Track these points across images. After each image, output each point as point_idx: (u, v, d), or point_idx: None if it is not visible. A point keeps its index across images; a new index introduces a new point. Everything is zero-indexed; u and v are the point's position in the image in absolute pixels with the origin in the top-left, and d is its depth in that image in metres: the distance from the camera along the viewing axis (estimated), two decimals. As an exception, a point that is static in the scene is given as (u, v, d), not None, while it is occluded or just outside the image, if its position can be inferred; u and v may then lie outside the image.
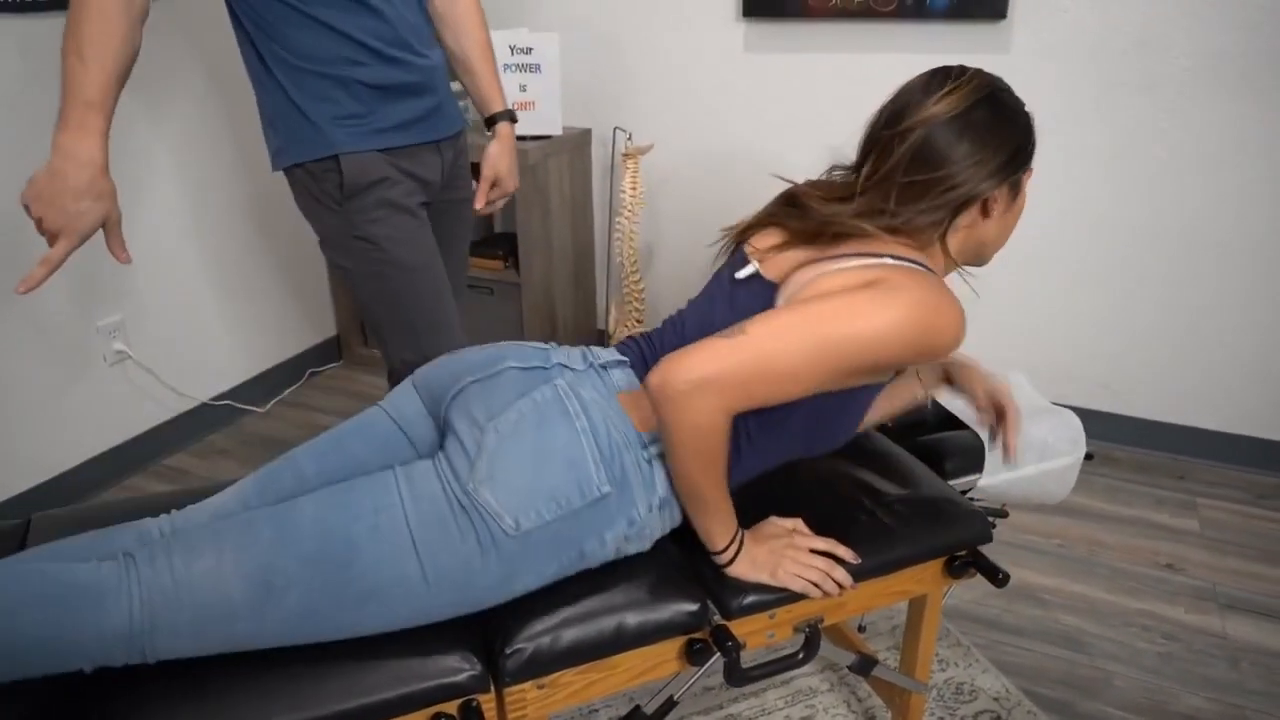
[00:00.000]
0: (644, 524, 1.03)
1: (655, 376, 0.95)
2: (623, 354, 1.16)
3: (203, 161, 2.35)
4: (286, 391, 2.71)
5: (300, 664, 0.96)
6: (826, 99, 2.33)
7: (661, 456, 1.04)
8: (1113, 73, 2.06)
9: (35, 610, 0.91)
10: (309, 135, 1.35)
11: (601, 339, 2.82)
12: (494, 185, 1.60)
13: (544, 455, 1.00)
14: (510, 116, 1.62)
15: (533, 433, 1.01)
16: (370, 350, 2.86)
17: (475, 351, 1.16)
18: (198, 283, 2.40)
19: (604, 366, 1.12)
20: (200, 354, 2.44)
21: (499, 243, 2.65)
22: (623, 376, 1.11)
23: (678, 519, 1.08)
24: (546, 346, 1.15)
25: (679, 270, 2.65)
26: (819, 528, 1.12)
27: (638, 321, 2.54)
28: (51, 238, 1.15)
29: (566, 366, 1.10)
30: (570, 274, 2.65)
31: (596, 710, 1.54)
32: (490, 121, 1.62)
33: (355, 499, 1.01)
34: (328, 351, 2.86)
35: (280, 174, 1.44)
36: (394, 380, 1.54)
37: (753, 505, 1.13)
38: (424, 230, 1.47)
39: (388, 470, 1.04)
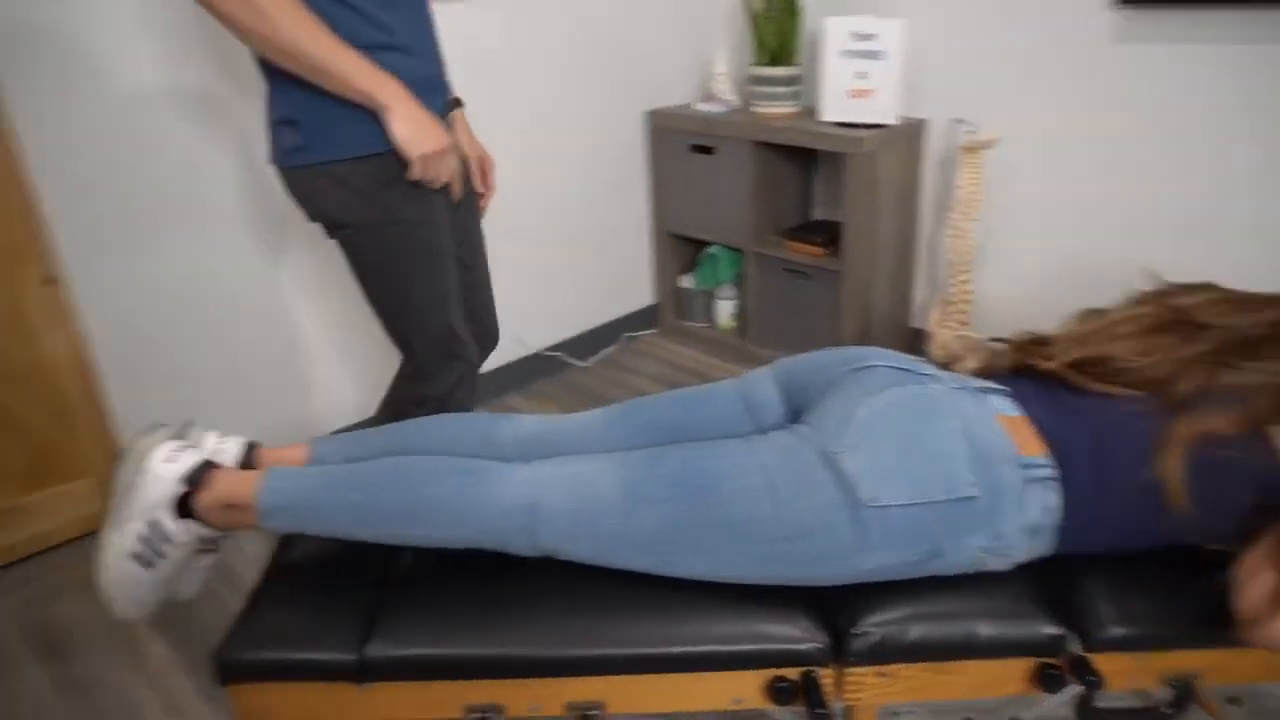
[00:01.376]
0: (1009, 542, 1.02)
1: (1259, 634, 0.95)
2: (999, 387, 1.14)
3: (554, 128, 2.58)
4: (605, 351, 2.92)
5: (651, 604, 1.05)
6: (1224, 106, 2.07)
7: (1040, 482, 1.01)
8: None
9: (449, 477, 1.08)
10: (347, 130, 1.34)
11: (915, 339, 2.75)
12: (483, 171, 1.70)
13: (914, 442, 1.02)
14: (459, 103, 1.68)
15: (905, 419, 1.03)
16: (683, 322, 3.00)
17: (839, 350, 1.20)
18: (543, 244, 2.64)
19: (981, 390, 1.11)
20: (540, 308, 2.70)
21: (818, 229, 2.66)
22: (1003, 403, 1.09)
23: (1047, 549, 1.05)
24: (913, 358, 1.16)
25: (1015, 278, 2.51)
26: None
27: (961, 324, 2.44)
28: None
29: (938, 379, 1.11)
30: (890, 268, 2.61)
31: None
32: (445, 111, 1.61)
33: (717, 444, 1.10)
34: (644, 319, 3.04)
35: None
36: (419, 380, 1.58)
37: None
38: (446, 213, 1.52)
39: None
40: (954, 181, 2.46)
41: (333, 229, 1.44)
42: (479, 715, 1.04)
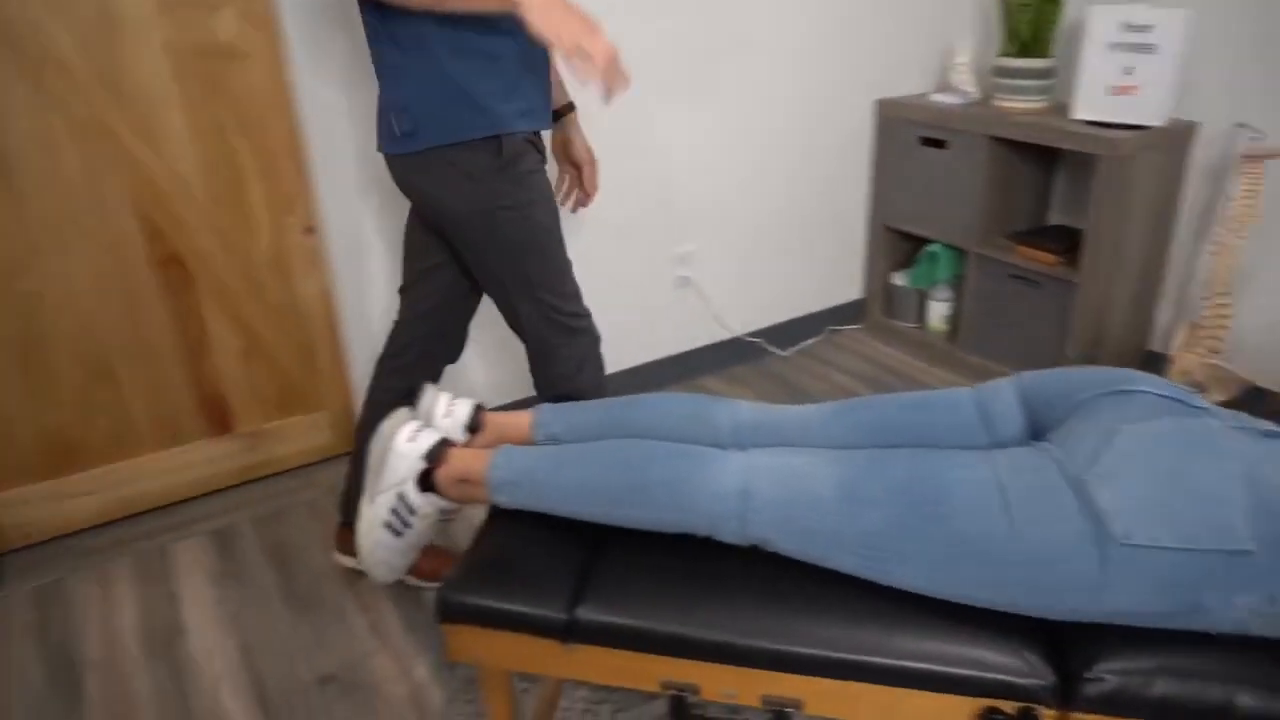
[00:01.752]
0: (1292, 609, 0.90)
1: None
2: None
3: (779, 112, 2.53)
4: (806, 342, 2.86)
5: (860, 608, 1.01)
6: None
7: None
8: None
9: (669, 460, 1.10)
10: (461, 114, 1.36)
11: (1151, 364, 2.51)
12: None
13: (1181, 479, 0.92)
14: (572, 106, 1.69)
15: (1174, 454, 0.93)
16: (890, 320, 2.89)
17: (1096, 370, 1.11)
18: (754, 228, 2.61)
19: (1267, 434, 0.98)
20: (745, 293, 2.68)
21: (1053, 235, 2.47)
22: None
23: None
24: (1184, 387, 1.05)
25: None
26: None
27: (1211, 351, 2.20)
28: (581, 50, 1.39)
29: (1214, 414, 0.99)
30: (1134, 283, 2.38)
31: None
32: (559, 114, 1.66)
33: (948, 453, 1.04)
34: (849, 313, 2.95)
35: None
36: (573, 338, 1.56)
37: None
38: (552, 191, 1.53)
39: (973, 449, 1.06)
40: (1225, 193, 2.21)
41: (441, 215, 1.46)
42: (675, 692, 1.04)
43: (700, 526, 1.08)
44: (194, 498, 2.10)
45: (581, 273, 2.05)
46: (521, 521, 1.17)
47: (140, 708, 1.53)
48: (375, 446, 1.24)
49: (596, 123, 2.20)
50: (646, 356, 2.56)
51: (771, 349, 2.78)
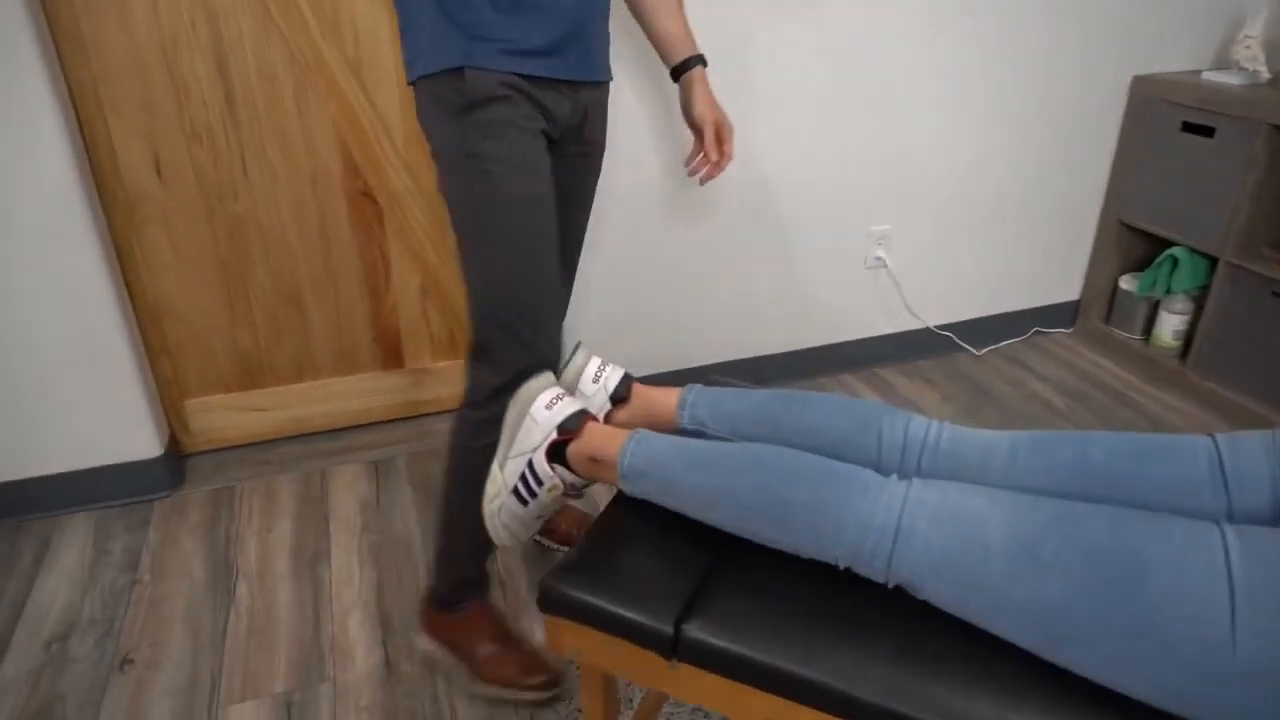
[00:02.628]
0: None
1: None
2: None
3: (1010, 83, 2.24)
4: (1005, 343, 2.58)
5: (1013, 687, 0.85)
6: None
7: None
8: None
9: (816, 483, 0.96)
10: (439, 45, 1.21)
11: None
12: (719, 139, 1.49)
13: None
14: (702, 60, 1.48)
15: None
16: (1109, 328, 2.54)
17: None
18: (963, 213, 2.35)
19: None
20: (941, 282, 2.43)
21: (1336, 251, 2.06)
22: None
23: None
24: None
25: None
26: None
27: None
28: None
29: None
30: None
31: None
32: (680, 70, 1.48)
33: (1162, 520, 0.84)
34: (1060, 315, 2.63)
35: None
36: (479, 360, 1.29)
37: None
38: (543, 158, 1.26)
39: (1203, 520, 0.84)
40: None
41: (432, 154, 1.28)
42: (782, 735, 0.92)
43: (840, 557, 0.94)
44: (358, 426, 2.18)
45: (767, 240, 1.91)
46: (645, 514, 1.08)
47: (277, 621, 1.60)
48: (514, 408, 1.19)
49: (799, 87, 2.03)
50: (827, 338, 2.39)
51: (964, 345, 2.52)
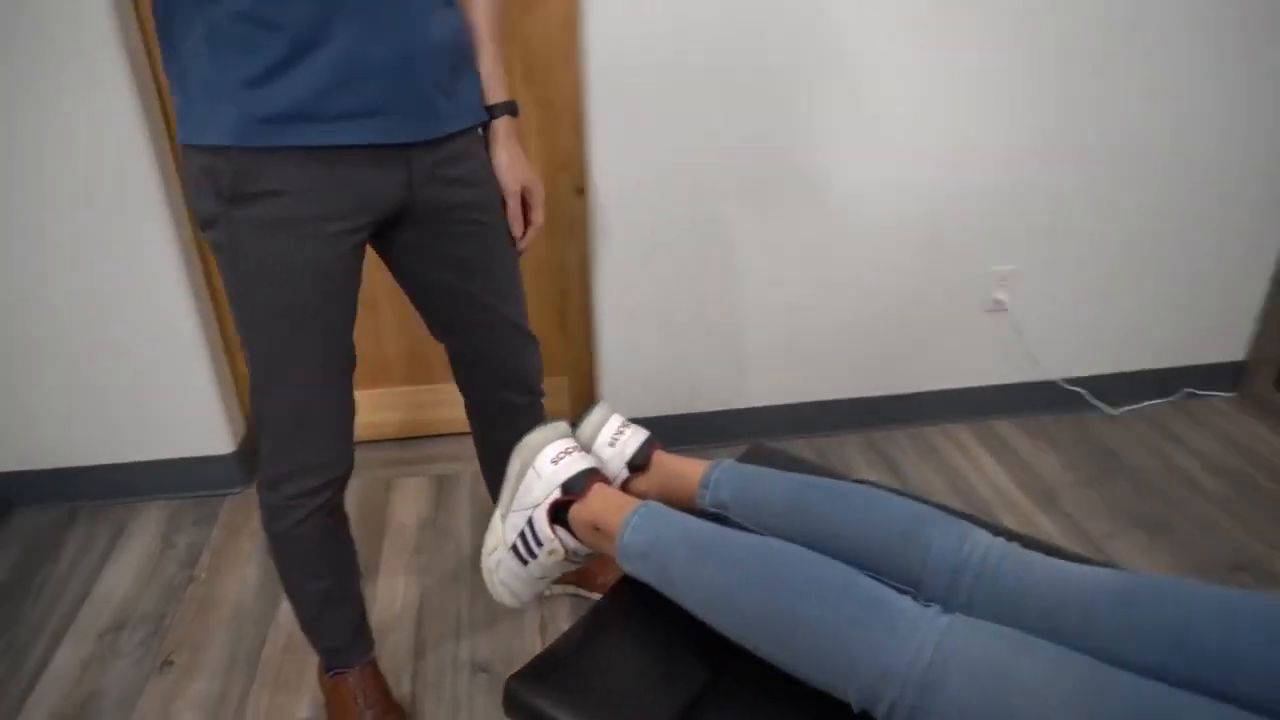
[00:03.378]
0: None
1: None
2: None
3: (1156, 104, 1.95)
4: (1147, 403, 2.27)
5: None
6: None
7: None
8: None
9: (834, 602, 0.82)
10: (203, 107, 0.96)
11: None
12: (526, 205, 1.24)
13: None
14: (511, 109, 1.20)
15: None
16: (1277, 397, 2.19)
17: None
18: (1104, 254, 2.08)
19: None
20: (1072, 329, 2.16)
21: None
22: None
23: None
24: None
25: None
26: None
27: None
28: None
29: None
30: None
31: None
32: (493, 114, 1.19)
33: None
34: (1218, 376, 2.29)
35: None
36: (261, 459, 1.15)
37: None
38: (329, 265, 1.04)
39: None
40: None
41: (201, 229, 1.06)
42: None
43: (852, 698, 0.80)
44: (429, 436, 2.15)
45: (878, 276, 1.75)
46: (651, 603, 0.96)
47: (315, 641, 1.58)
48: (517, 457, 1.09)
49: (907, 105, 1.83)
50: (937, 383, 2.17)
51: (1097, 403, 2.23)
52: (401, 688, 1.48)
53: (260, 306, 1.05)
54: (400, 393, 2.10)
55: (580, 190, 1.94)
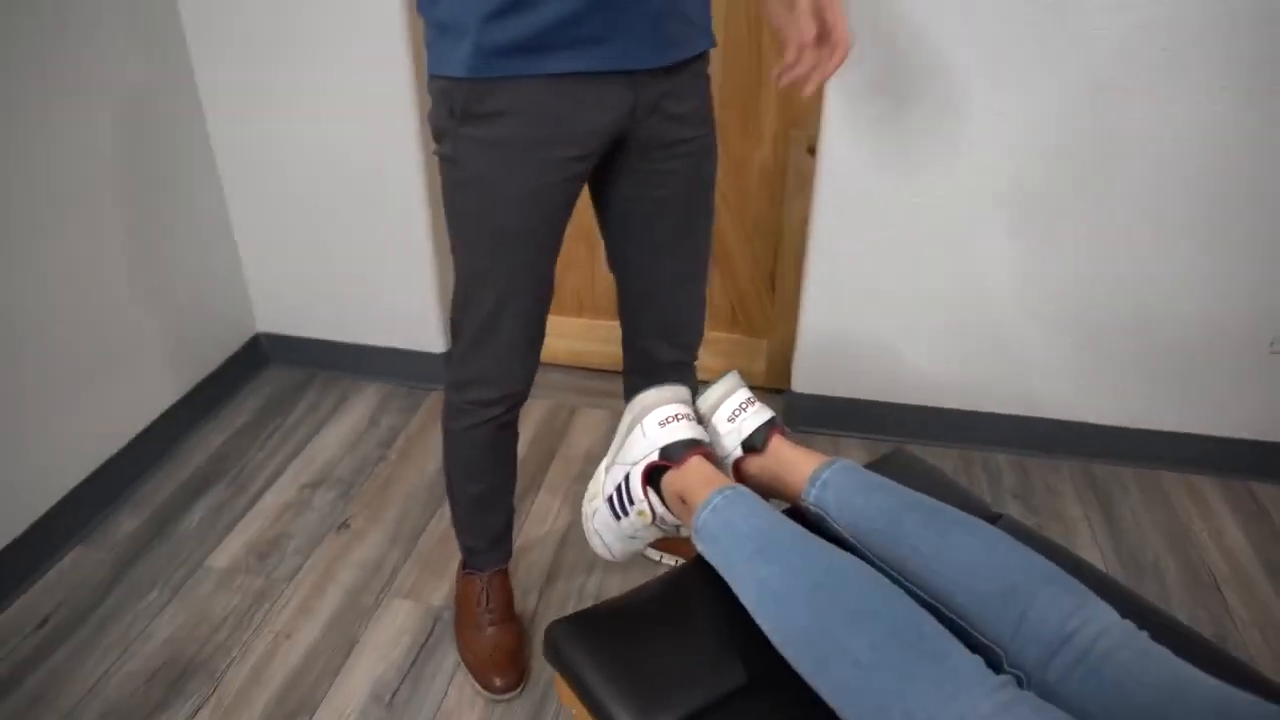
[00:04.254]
0: None
1: None
2: None
3: None
4: None
5: None
6: None
7: None
8: None
9: (883, 640, 0.75)
10: (446, 41, 1.02)
11: None
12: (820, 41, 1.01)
13: None
14: None
15: None
16: None
17: None
18: None
19: None
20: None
21: None
22: None
23: None
24: None
25: None
26: None
27: None
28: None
29: None
30: None
31: None
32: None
33: None
34: None
35: None
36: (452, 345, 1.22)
37: None
38: (542, 190, 1.07)
39: None
40: None
41: (435, 142, 1.12)
42: None
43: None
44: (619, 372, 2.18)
45: (1153, 290, 1.55)
46: (708, 589, 0.92)
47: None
48: (629, 412, 1.08)
49: (1174, 104, 1.53)
50: (1191, 425, 1.85)
51: None
52: (527, 603, 1.56)
53: (470, 221, 1.11)
54: (606, 326, 2.15)
55: (812, 150, 1.84)
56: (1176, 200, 1.64)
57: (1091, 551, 1.68)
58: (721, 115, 1.85)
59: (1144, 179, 1.63)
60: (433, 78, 1.06)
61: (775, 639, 0.82)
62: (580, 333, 2.17)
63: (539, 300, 1.18)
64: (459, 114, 1.04)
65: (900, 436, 1.98)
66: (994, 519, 1.02)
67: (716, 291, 2.06)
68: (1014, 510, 1.78)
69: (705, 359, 2.12)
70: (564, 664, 0.86)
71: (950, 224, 1.75)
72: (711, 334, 2.11)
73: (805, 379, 1.98)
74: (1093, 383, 1.84)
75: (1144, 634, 0.76)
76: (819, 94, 1.73)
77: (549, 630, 0.90)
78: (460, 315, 1.19)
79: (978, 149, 1.66)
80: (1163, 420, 1.86)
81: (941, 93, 1.63)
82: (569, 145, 1.05)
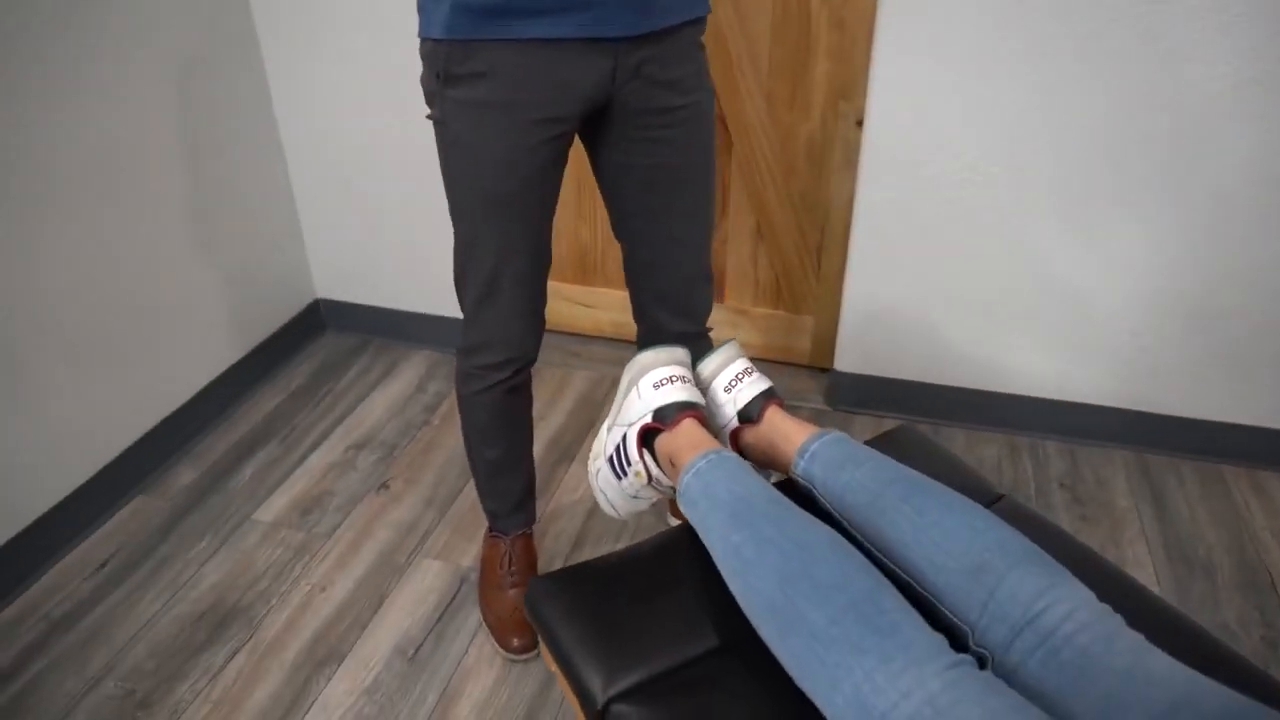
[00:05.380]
0: None
1: None
2: None
3: None
4: None
5: None
6: None
7: None
8: None
9: (841, 605, 0.74)
10: (430, 3, 1.04)
11: None
12: None
13: None
14: None
15: None
16: None
17: None
18: None
19: None
20: None
21: None
22: None
23: None
24: None
25: None
26: None
27: None
28: None
29: None
30: None
31: None
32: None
33: None
34: None
35: None
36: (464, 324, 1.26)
37: None
38: (526, 153, 1.08)
39: None
40: None
41: (427, 106, 1.15)
42: None
43: (826, 713, 0.71)
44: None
45: (1222, 270, 1.49)
46: (691, 551, 0.92)
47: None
48: (627, 373, 1.09)
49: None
50: (1260, 418, 1.75)
51: None
52: (552, 568, 1.58)
53: (461, 185, 1.13)
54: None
55: (860, 123, 1.80)
56: (1251, 185, 1.54)
57: (1138, 544, 1.61)
58: (769, 87, 1.82)
59: (1220, 162, 1.54)
60: (422, 41, 1.08)
61: (743, 605, 0.81)
62: (623, 305, 2.17)
63: (535, 264, 1.19)
64: (443, 76, 1.06)
65: (945, 419, 1.93)
66: (994, 500, 0.99)
67: (762, 266, 2.03)
68: (1059, 499, 1.72)
69: (750, 333, 2.12)
70: (540, 620, 0.88)
71: (1002, 202, 1.68)
72: (755, 310, 2.09)
73: (849, 358, 1.94)
74: (1152, 370, 1.75)
75: (1117, 618, 0.73)
76: (869, 65, 1.68)
77: (529, 585, 0.92)
78: (461, 280, 1.22)
79: (1034, 126, 1.59)
80: (1228, 411, 1.75)
81: (1000, 66, 1.57)
82: (546, 107, 1.06)
